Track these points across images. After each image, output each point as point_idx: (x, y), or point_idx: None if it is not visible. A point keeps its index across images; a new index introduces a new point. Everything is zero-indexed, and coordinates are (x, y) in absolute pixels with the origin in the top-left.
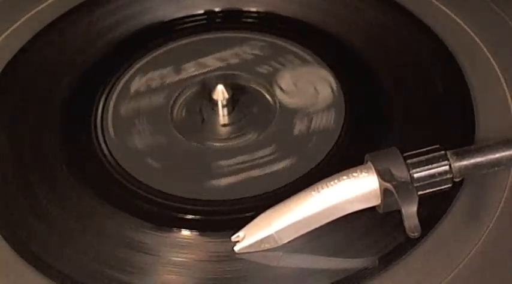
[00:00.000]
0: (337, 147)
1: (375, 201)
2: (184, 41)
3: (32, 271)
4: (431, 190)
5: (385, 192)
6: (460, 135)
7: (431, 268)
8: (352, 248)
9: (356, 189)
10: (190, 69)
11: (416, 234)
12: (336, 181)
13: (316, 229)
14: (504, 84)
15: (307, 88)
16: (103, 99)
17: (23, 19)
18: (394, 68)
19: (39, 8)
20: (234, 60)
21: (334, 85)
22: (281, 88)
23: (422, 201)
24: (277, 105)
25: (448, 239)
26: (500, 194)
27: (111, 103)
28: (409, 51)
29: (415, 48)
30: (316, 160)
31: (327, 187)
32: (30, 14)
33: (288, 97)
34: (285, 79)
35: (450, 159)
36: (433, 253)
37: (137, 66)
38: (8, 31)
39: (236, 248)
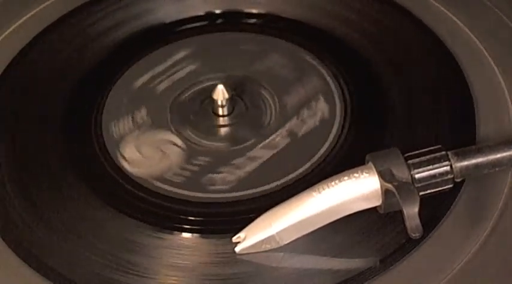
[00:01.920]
0: (337, 148)
1: (376, 202)
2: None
3: (31, 272)
4: (432, 190)
5: (386, 193)
6: (460, 135)
7: (432, 269)
8: (354, 249)
9: (357, 190)
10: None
11: (417, 235)
12: (336, 181)
13: (317, 230)
14: (504, 84)
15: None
16: (103, 99)
17: (23, 19)
18: (394, 68)
19: (39, 8)
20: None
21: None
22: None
23: (424, 202)
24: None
25: (449, 239)
26: (500, 194)
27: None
28: (409, 51)
29: (415, 48)
30: (316, 160)
31: (328, 187)
32: (30, 14)
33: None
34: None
35: (451, 160)
36: (434, 254)
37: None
38: (8, 31)
39: (237, 249)
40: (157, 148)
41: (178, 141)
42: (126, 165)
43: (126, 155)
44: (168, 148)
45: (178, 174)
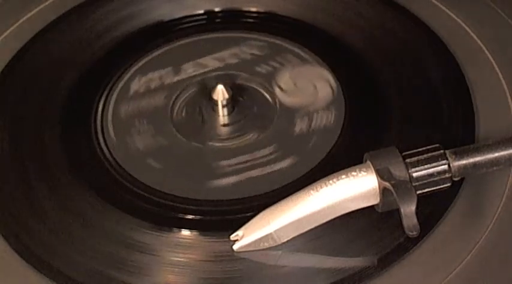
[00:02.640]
0: (337, 147)
1: (374, 200)
2: (184, 41)
3: (32, 270)
4: (430, 189)
5: (384, 191)
6: (460, 135)
7: (431, 268)
8: (352, 248)
9: (355, 188)
10: (190, 70)
11: (415, 233)
12: (334, 180)
13: (315, 228)
14: (504, 84)
15: (306, 87)
16: (103, 99)
17: (23, 19)
18: (394, 68)
19: (39, 8)
20: (233, 60)
21: (334, 85)
22: (280, 88)
23: (422, 201)
24: (277, 104)
25: (448, 239)
26: (500, 194)
27: (111, 104)
28: (409, 51)
29: (415, 48)
30: (316, 160)
31: (326, 186)
32: (30, 14)
33: (288, 97)
34: (285, 79)
35: (449, 158)
36: (433, 253)
37: (137, 66)
38: (8, 31)
39: (235, 247)
40: (312, 83)
41: (332, 81)
42: (279, 93)
43: (282, 84)
44: (322, 85)
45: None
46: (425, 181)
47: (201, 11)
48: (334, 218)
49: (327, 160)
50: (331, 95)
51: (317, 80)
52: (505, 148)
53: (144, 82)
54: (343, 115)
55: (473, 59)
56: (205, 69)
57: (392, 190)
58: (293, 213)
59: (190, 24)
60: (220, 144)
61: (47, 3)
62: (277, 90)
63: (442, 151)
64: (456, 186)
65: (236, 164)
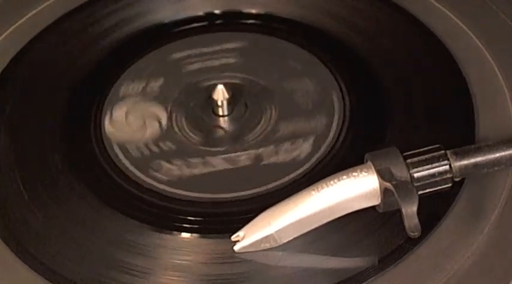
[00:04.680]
0: (337, 147)
1: (375, 201)
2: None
3: (31, 272)
4: (431, 189)
5: (385, 192)
6: (460, 135)
7: (431, 268)
8: (353, 248)
9: (356, 189)
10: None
11: (416, 234)
12: (335, 180)
13: (316, 229)
14: (504, 84)
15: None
16: (103, 99)
17: (23, 19)
18: (394, 68)
19: (39, 8)
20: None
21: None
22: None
23: (423, 202)
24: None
25: (448, 239)
26: (500, 194)
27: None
28: (409, 51)
29: (415, 48)
30: (316, 160)
31: (327, 186)
32: (30, 15)
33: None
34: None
35: (450, 159)
36: (433, 253)
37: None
38: (8, 31)
39: (236, 247)
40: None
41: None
42: (106, 124)
43: (113, 115)
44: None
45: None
46: (426, 182)
47: (201, 13)
48: (335, 219)
49: (327, 161)
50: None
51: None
52: (506, 149)
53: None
54: (344, 115)
55: (473, 58)
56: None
57: (394, 191)
58: (294, 214)
59: (191, 26)
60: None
61: (47, 3)
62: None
63: (443, 151)
64: (456, 186)
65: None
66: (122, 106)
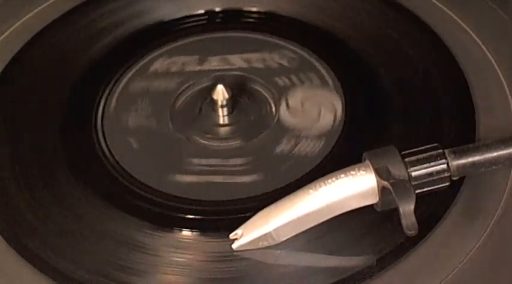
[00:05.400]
0: (337, 147)
1: (373, 199)
2: (184, 41)
3: (32, 270)
4: (429, 188)
5: (382, 190)
6: (460, 134)
7: (431, 268)
8: (352, 247)
9: (354, 187)
10: (192, 69)
11: (413, 232)
12: (333, 179)
13: (315, 228)
14: (504, 84)
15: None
16: (103, 99)
17: (23, 19)
18: (394, 68)
19: (39, 8)
20: (234, 60)
21: (333, 85)
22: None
23: (422, 201)
24: (277, 104)
25: (448, 239)
26: (500, 194)
27: (111, 104)
28: (409, 51)
29: (415, 48)
30: (316, 159)
31: (325, 185)
32: (30, 14)
33: (288, 96)
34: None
35: (448, 158)
36: (433, 253)
37: (137, 66)
38: (8, 31)
39: (234, 246)
40: (318, 107)
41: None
42: (283, 112)
43: (290, 103)
44: (327, 109)
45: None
46: (424, 181)
47: (202, 11)
48: (333, 218)
49: (326, 160)
50: (330, 94)
51: (315, 78)
52: (504, 148)
53: (144, 82)
54: (343, 114)
55: (473, 58)
56: (206, 69)
57: (391, 189)
58: (292, 212)
59: (191, 24)
60: (221, 144)
61: (47, 3)
62: (276, 90)
63: (441, 150)
64: (456, 186)
65: (236, 164)
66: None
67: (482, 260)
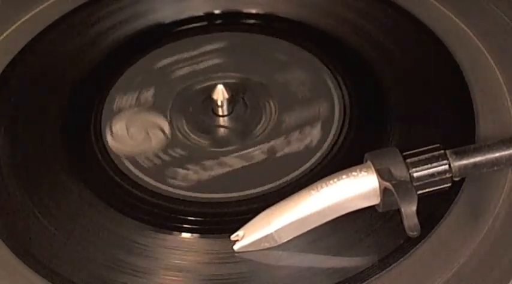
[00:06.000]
0: (337, 147)
1: (375, 200)
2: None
3: (30, 272)
4: (430, 189)
5: (384, 191)
6: (460, 135)
7: (431, 269)
8: (353, 248)
9: (355, 188)
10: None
11: (415, 233)
12: (335, 180)
13: (316, 229)
14: (504, 84)
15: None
16: (103, 99)
17: (23, 19)
18: (394, 68)
19: (40, 8)
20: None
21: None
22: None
23: (423, 202)
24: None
25: (448, 239)
26: (500, 194)
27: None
28: (409, 51)
29: (414, 48)
30: (316, 160)
31: (326, 186)
32: (30, 14)
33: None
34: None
35: (450, 158)
36: (433, 254)
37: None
38: (8, 31)
39: (235, 247)
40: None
41: (166, 128)
42: (109, 139)
43: (114, 129)
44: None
45: (149, 160)
46: (425, 181)
47: (201, 13)
48: (335, 219)
49: (326, 161)
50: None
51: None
52: (506, 148)
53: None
54: (343, 115)
55: (473, 59)
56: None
57: (393, 190)
58: (293, 213)
59: (190, 26)
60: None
61: (47, 3)
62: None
63: (442, 151)
64: (456, 186)
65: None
66: (122, 106)
67: (482, 260)
